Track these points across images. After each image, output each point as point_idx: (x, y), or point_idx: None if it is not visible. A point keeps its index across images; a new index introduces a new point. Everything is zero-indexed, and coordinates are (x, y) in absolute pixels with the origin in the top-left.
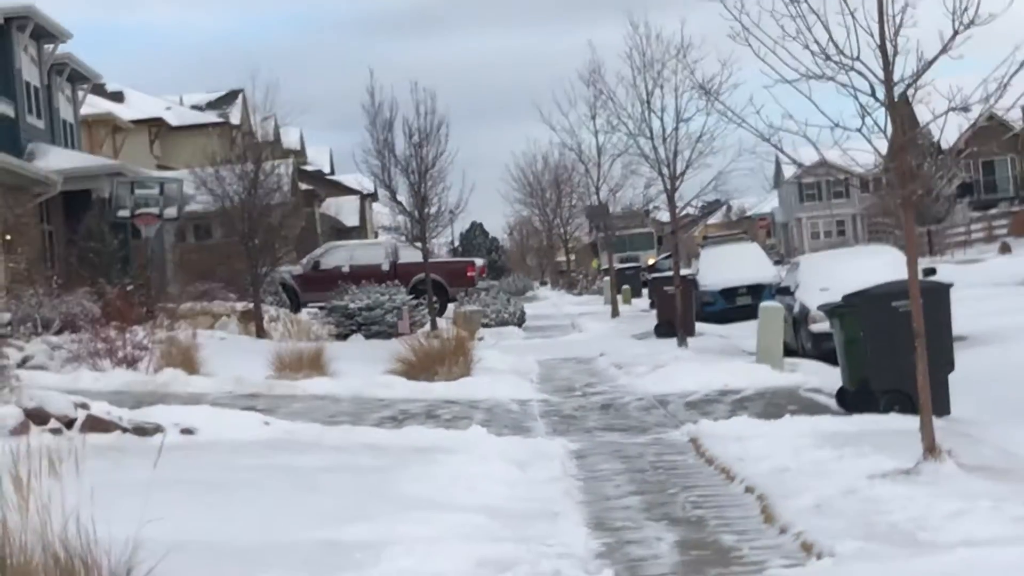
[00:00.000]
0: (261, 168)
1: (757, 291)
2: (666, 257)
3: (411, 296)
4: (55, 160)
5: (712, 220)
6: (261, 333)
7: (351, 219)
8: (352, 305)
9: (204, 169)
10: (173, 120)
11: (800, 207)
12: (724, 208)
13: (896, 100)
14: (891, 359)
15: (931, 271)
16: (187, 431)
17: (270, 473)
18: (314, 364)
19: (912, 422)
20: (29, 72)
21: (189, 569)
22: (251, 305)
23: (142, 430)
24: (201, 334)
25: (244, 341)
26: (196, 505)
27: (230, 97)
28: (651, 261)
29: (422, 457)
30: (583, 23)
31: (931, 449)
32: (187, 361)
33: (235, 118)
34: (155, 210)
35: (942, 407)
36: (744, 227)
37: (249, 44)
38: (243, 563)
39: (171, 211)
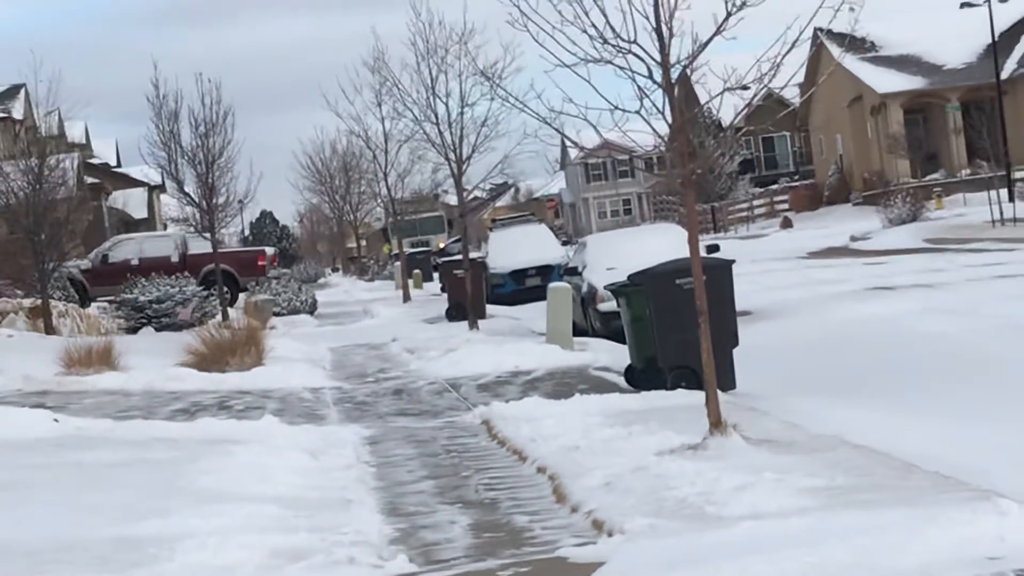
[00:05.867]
0: (46, 163)
1: (546, 272)
2: (456, 240)
3: (202, 287)
4: None
5: (500, 202)
6: (50, 329)
7: (139, 211)
8: (142, 298)
9: None
10: None
11: (587, 187)
12: (512, 190)
13: (673, 82)
14: (677, 336)
15: (715, 248)
16: None
17: (61, 471)
18: (104, 359)
19: (699, 397)
20: None
21: None
22: (39, 301)
23: None
24: None
25: (33, 338)
26: None
27: (12, 92)
28: (441, 245)
29: (215, 449)
30: (367, 8)
31: (717, 424)
32: None
33: (18, 113)
34: None
35: (728, 382)
36: (532, 208)
37: (31, 38)
38: (35, 563)
39: None
